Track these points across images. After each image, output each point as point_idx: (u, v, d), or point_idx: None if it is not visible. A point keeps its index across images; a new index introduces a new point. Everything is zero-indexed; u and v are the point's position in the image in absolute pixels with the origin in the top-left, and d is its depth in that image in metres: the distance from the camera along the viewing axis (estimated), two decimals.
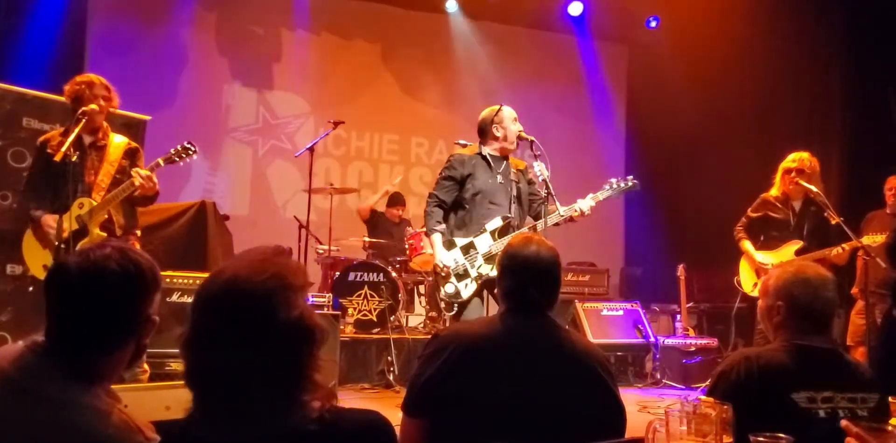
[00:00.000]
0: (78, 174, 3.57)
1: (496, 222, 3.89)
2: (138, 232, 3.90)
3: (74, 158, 3.43)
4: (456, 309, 3.90)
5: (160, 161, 3.70)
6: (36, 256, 3.69)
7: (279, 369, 1.24)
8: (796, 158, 4.72)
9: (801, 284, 2.00)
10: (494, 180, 3.98)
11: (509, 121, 4.05)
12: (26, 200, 3.78)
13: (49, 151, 3.61)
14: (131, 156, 3.81)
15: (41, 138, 3.76)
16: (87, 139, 3.69)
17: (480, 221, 3.93)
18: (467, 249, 3.91)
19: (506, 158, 4.10)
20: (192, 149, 3.74)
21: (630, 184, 4.04)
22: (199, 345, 1.25)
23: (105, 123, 3.75)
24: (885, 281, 4.57)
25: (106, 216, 3.67)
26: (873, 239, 4.54)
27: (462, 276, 3.87)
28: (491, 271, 3.76)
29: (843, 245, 4.52)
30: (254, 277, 1.25)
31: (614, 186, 4.05)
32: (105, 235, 3.62)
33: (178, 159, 3.74)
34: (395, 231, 7.11)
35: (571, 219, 3.96)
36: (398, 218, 7.32)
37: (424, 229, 5.78)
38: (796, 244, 4.68)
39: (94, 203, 3.61)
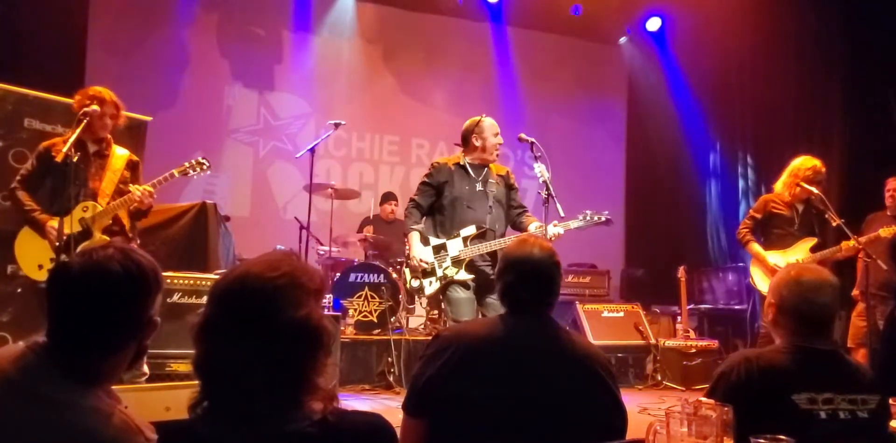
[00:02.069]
0: (83, 179, 3.68)
1: (470, 230, 4.07)
2: (138, 240, 4.00)
3: (76, 159, 3.45)
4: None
5: (175, 172, 3.83)
6: (30, 256, 3.70)
7: (280, 368, 1.25)
8: (810, 164, 4.71)
9: (794, 285, 2.00)
10: (473, 187, 4.15)
11: (489, 132, 4.18)
12: (19, 198, 3.78)
13: (54, 154, 3.64)
14: (132, 168, 3.92)
15: (46, 143, 3.79)
16: (92, 148, 3.80)
17: (458, 225, 4.11)
18: (438, 249, 4.12)
19: (486, 165, 4.24)
20: (206, 164, 3.91)
21: (604, 218, 4.10)
22: (207, 335, 1.27)
23: (109, 136, 3.85)
24: (886, 283, 4.58)
25: (110, 221, 3.76)
26: (889, 231, 4.58)
27: (428, 273, 4.10)
28: (456, 275, 4.02)
29: (853, 239, 4.48)
30: (265, 273, 1.28)
31: (588, 217, 4.09)
32: (108, 239, 3.69)
33: (191, 172, 3.90)
34: (389, 230, 7.12)
35: None
36: (392, 215, 7.33)
37: None
38: (810, 241, 4.68)
39: (100, 207, 3.70)
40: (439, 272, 4.07)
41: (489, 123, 4.22)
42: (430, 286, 4.09)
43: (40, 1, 6.51)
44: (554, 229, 3.96)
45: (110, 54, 7.33)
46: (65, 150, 3.38)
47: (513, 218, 4.27)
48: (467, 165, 4.19)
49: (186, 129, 7.46)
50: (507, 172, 4.34)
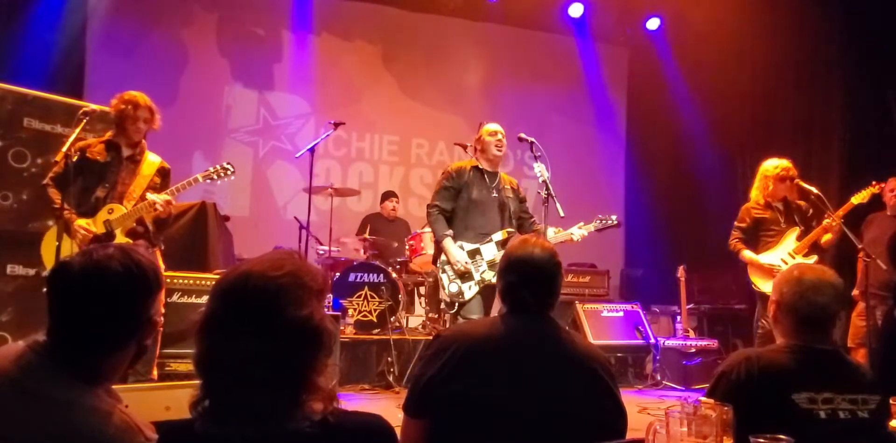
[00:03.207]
0: (112, 181, 3.76)
1: (500, 235, 4.25)
2: (161, 245, 4.04)
3: (75, 159, 3.47)
4: (456, 307, 4.20)
5: (199, 177, 3.89)
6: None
7: (281, 366, 1.25)
8: (779, 166, 4.76)
9: (794, 284, 2.01)
10: (489, 193, 4.34)
11: (485, 133, 4.42)
12: (48, 194, 3.79)
13: (89, 156, 3.73)
14: (163, 175, 3.98)
15: (80, 144, 3.81)
16: (126, 152, 3.85)
17: (473, 228, 4.27)
18: (473, 254, 4.23)
19: (497, 172, 4.43)
20: (231, 169, 3.97)
21: (615, 222, 4.48)
22: (209, 333, 1.27)
23: (143, 141, 3.93)
24: (886, 283, 4.58)
25: (134, 224, 3.80)
26: (860, 197, 4.66)
27: (466, 278, 4.18)
28: (493, 278, 4.06)
29: (833, 216, 4.51)
30: (269, 272, 1.29)
31: (604, 221, 4.46)
32: (131, 241, 3.74)
33: (215, 178, 3.95)
34: (390, 229, 7.11)
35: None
36: (394, 213, 7.32)
37: (424, 230, 5.84)
38: (794, 231, 4.72)
39: (124, 210, 3.74)
40: (477, 276, 4.18)
41: (489, 126, 4.46)
42: (470, 291, 4.17)
43: (41, 1, 6.51)
44: (579, 232, 4.31)
45: (110, 54, 7.33)
46: (64, 150, 3.40)
47: (525, 228, 4.46)
48: (484, 170, 4.39)
49: (186, 128, 7.45)
50: (517, 184, 4.59)
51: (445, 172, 4.45)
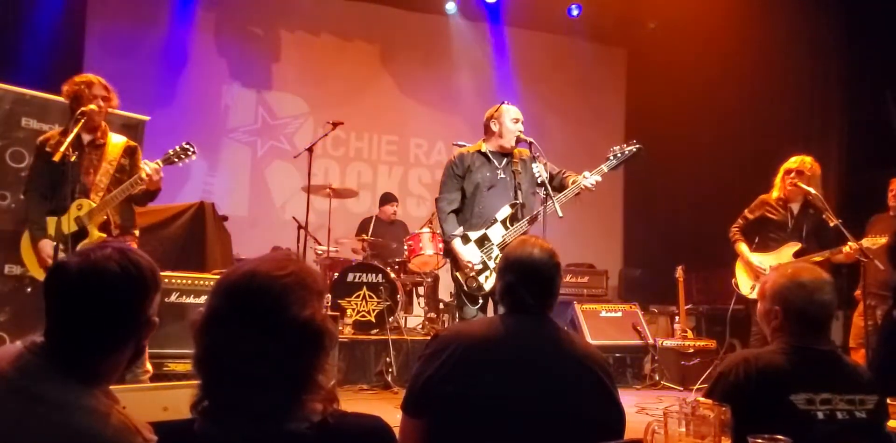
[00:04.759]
0: (76, 174, 3.54)
1: (505, 211, 3.97)
2: (136, 232, 3.88)
3: (73, 159, 3.43)
4: (481, 302, 3.98)
5: (159, 162, 3.64)
6: (35, 257, 3.68)
7: (282, 365, 1.25)
8: (797, 160, 4.71)
9: (797, 288, 2.00)
10: (495, 175, 4.05)
11: (507, 118, 4.09)
12: (28, 203, 3.77)
13: (48, 150, 3.58)
14: (130, 154, 3.79)
15: (40, 138, 3.74)
16: (86, 138, 3.68)
17: (482, 214, 4.01)
18: (482, 241, 3.98)
19: (508, 153, 4.13)
20: (191, 149, 3.71)
21: (634, 149, 4.08)
22: (210, 329, 1.27)
23: (104, 123, 3.74)
24: (887, 283, 4.57)
25: (105, 217, 3.65)
26: (874, 241, 4.52)
27: (481, 269, 3.94)
28: None
29: (848, 245, 4.45)
30: (274, 271, 1.29)
31: (618, 154, 4.10)
32: (105, 235, 3.61)
33: (176, 160, 3.70)
34: (389, 231, 7.10)
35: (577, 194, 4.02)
36: (392, 217, 7.31)
37: (423, 230, 5.83)
38: (794, 246, 4.67)
39: (93, 204, 3.60)
40: (491, 264, 3.92)
41: (508, 109, 4.14)
42: (487, 282, 3.92)
43: (39, 1, 6.51)
44: (591, 179, 3.98)
45: (108, 53, 7.32)
46: (62, 149, 3.36)
47: (559, 181, 4.13)
48: (489, 153, 4.09)
49: (184, 128, 7.44)
50: (528, 154, 4.14)
51: (448, 161, 4.20)
